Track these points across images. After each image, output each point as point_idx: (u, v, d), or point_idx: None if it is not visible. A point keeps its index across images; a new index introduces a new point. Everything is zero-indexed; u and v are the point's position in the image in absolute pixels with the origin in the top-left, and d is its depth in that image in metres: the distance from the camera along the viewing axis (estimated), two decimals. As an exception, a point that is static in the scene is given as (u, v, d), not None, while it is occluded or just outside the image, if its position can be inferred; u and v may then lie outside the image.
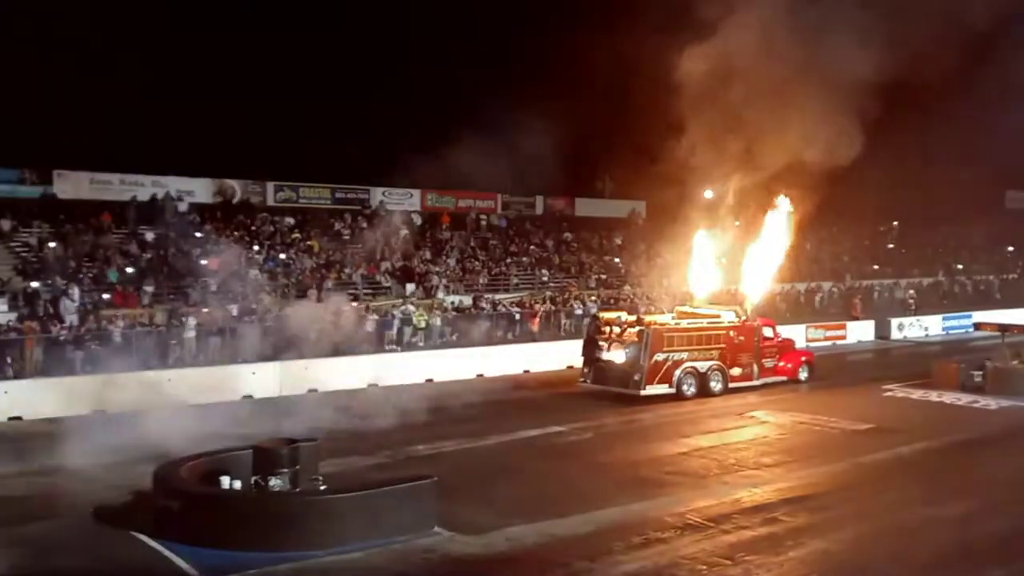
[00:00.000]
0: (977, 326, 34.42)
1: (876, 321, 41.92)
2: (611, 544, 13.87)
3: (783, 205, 29.99)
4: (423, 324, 31.84)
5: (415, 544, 13.80)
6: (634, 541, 14.06)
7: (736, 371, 27.29)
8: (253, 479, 14.65)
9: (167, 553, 13.40)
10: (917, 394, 27.06)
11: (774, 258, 30.65)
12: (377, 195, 42.43)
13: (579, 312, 36.07)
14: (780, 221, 30.12)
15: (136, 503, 15.47)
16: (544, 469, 18.71)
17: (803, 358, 29.89)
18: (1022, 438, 22.03)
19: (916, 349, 38.27)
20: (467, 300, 35.50)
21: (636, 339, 25.99)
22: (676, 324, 27.33)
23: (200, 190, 37.69)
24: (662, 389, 25.81)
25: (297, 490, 14.58)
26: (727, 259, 31.53)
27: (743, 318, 28.18)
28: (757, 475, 18.17)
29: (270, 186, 40.01)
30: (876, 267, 51.16)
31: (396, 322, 31.59)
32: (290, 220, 37.92)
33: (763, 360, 28.15)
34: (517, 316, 34.64)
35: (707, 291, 30.83)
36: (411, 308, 32.50)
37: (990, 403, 25.55)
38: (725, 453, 20.06)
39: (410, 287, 35.40)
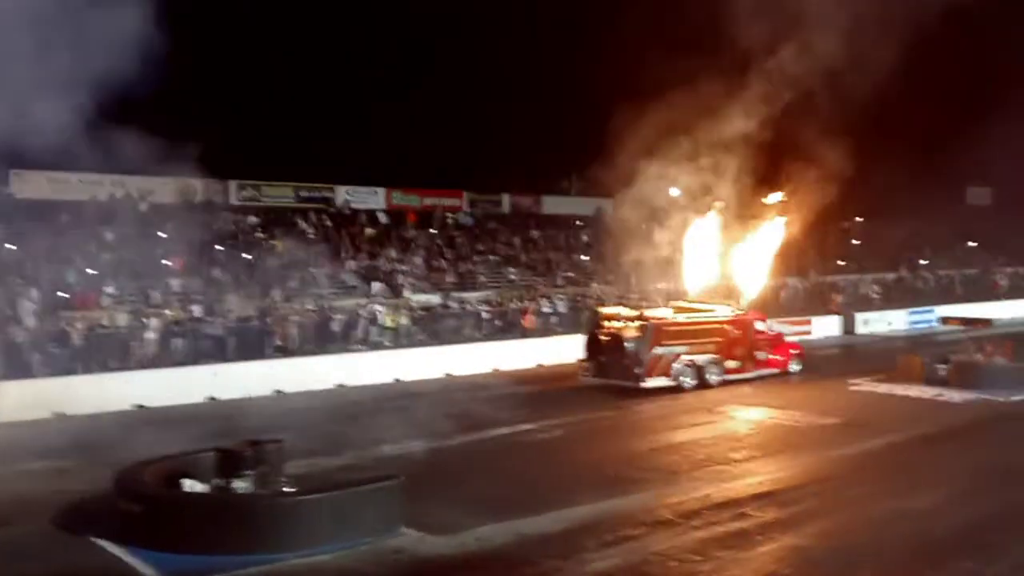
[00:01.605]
0: (944, 320, 34.79)
1: (842, 316, 42.26)
2: (582, 542, 13.78)
3: (778, 200, 30.51)
4: (391, 324, 31.58)
5: (383, 545, 13.63)
6: (605, 539, 13.97)
7: (732, 364, 27.91)
8: (217, 481, 14.40)
9: (129, 559, 13.11)
10: (883, 388, 27.27)
11: (769, 253, 31.05)
12: (342, 193, 42.11)
13: (547, 310, 35.95)
14: (775, 216, 30.61)
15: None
16: (514, 468, 18.61)
17: (793, 351, 30.39)
18: (986, 430, 22.21)
19: (881, 344, 38.58)
20: (434, 299, 35.26)
21: (637, 333, 26.28)
22: (675, 318, 27.70)
23: (161, 190, 37.12)
24: (662, 382, 26.41)
25: (262, 492, 14.35)
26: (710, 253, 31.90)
27: (738, 312, 28.62)
28: (726, 471, 18.16)
29: (232, 185, 39.51)
30: (841, 263, 51.52)
31: (362, 322, 31.30)
32: (253, 219, 37.46)
33: (756, 353, 28.64)
34: (485, 314, 34.46)
35: (700, 286, 31.13)
36: (378, 308, 32.24)
37: (954, 396, 25.76)
38: (695, 449, 20.05)
39: (376, 286, 35.11)
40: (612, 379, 26.68)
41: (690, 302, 29.89)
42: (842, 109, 29.91)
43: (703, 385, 26.98)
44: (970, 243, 58.50)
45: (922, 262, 54.55)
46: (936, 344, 34.64)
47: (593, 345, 27.51)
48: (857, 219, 57.07)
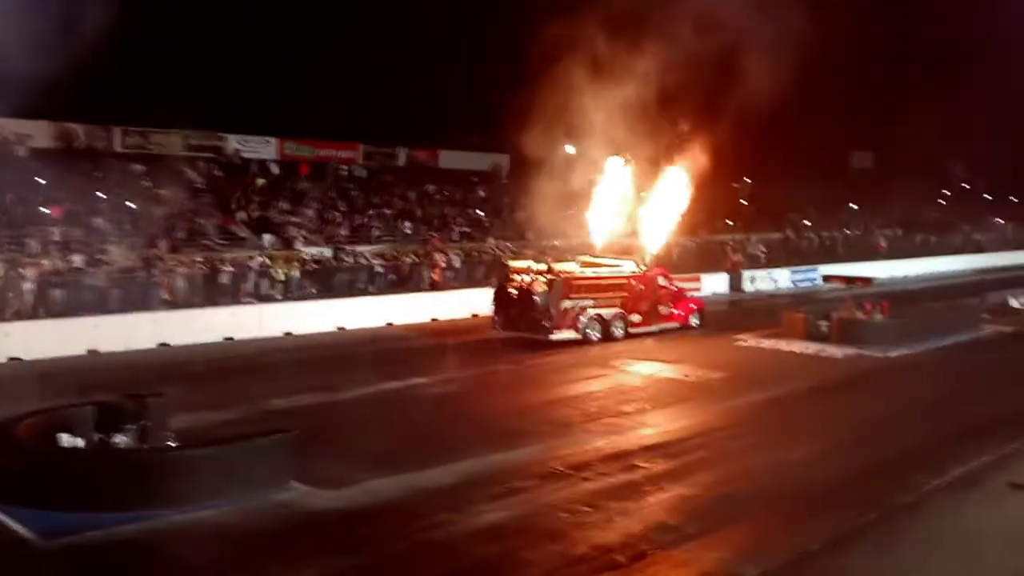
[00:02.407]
0: (826, 278, 35.84)
1: (730, 274, 43.20)
2: (473, 494, 13.80)
3: (682, 159, 30.91)
4: (281, 277, 30.92)
5: (272, 500, 13.38)
6: (496, 491, 14.02)
7: (636, 318, 28.46)
8: (96, 436, 13.87)
9: (2, 517, 12.51)
10: (767, 343, 27.97)
11: (674, 209, 31.51)
12: (232, 143, 40.87)
13: (442, 266, 35.74)
14: (679, 173, 30.96)
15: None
16: (406, 422, 18.48)
17: (693, 306, 31.05)
18: (864, 384, 23.00)
19: (767, 301, 39.57)
20: (327, 252, 34.65)
21: (546, 287, 26.63)
22: (583, 273, 28.11)
23: (39, 134, 35.39)
24: (569, 335, 26.80)
25: (143, 446, 13.88)
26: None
27: (643, 268, 29.19)
28: (617, 423, 18.41)
29: (117, 131, 37.89)
30: (729, 223, 52.61)
31: (252, 274, 30.56)
32: (139, 167, 36.01)
33: (659, 307, 29.30)
34: (379, 269, 34.05)
35: (605, 242, 31.51)
36: (267, 260, 31.51)
37: (835, 352, 26.59)
38: (588, 402, 20.29)
39: (267, 238, 34.31)
40: (521, 332, 26.90)
41: (596, 257, 30.25)
42: (733, 74, 30.40)
43: (608, 338, 27.42)
44: (852, 205, 60.53)
45: (806, 223, 56.19)
46: (819, 301, 35.77)
47: (502, 298, 27.61)
48: (745, 180, 58.36)
